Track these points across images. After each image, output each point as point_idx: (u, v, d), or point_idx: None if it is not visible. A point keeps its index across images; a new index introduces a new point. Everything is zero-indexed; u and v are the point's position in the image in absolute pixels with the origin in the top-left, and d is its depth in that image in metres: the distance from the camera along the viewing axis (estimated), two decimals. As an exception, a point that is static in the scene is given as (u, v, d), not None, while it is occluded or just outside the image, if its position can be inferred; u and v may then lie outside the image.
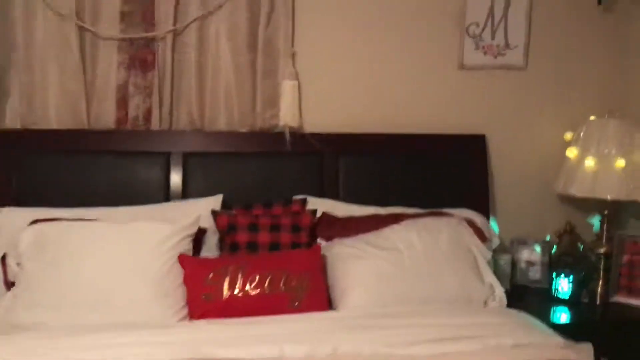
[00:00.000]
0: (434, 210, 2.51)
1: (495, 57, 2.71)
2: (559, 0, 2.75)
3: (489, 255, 2.34)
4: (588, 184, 2.50)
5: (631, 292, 2.55)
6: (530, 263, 2.77)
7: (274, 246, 2.22)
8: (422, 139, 2.67)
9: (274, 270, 2.03)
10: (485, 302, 2.15)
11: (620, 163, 2.43)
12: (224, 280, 1.99)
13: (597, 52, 2.81)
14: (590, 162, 2.48)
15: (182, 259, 2.08)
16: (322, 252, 2.23)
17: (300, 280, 2.03)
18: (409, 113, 2.70)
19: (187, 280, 2.04)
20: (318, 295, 2.06)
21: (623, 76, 2.81)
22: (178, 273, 2.06)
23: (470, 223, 2.40)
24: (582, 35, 2.80)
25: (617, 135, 2.49)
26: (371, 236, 2.27)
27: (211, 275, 2.01)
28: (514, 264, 2.76)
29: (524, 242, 2.77)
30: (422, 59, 2.72)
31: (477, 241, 2.32)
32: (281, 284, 2.00)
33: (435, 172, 2.67)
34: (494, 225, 2.78)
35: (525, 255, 2.77)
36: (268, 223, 2.26)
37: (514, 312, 2.09)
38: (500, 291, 2.20)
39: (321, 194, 2.57)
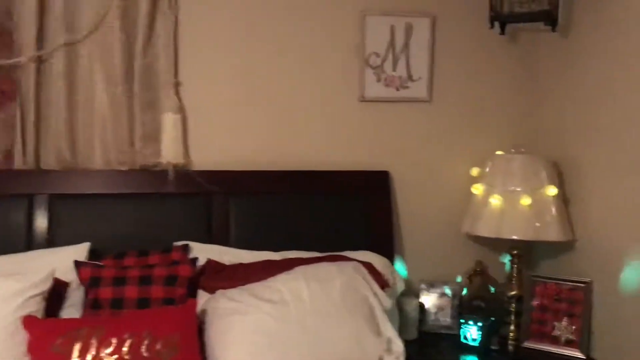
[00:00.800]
0: (333, 254, 2.30)
1: (398, 89, 2.56)
2: (462, 32, 2.63)
3: (389, 303, 2.13)
4: (494, 223, 2.35)
5: (543, 337, 2.39)
6: (440, 308, 2.59)
7: (143, 303, 1.93)
8: (322, 176, 2.47)
9: (135, 332, 1.74)
10: (381, 359, 1.92)
11: (526, 201, 2.29)
12: (73, 347, 1.69)
13: (504, 84, 2.70)
14: (495, 201, 2.34)
15: (27, 321, 1.77)
16: (202, 307, 1.97)
17: (167, 342, 1.75)
18: (307, 148, 2.51)
19: (32, 348, 1.73)
20: (189, 360, 1.79)
21: (531, 109, 2.71)
22: (23, 339, 1.75)
23: (370, 267, 2.20)
24: (487, 67, 2.68)
25: (523, 171, 2.36)
26: (259, 287, 2.03)
27: (59, 340, 1.71)
28: (423, 309, 2.57)
29: (433, 285, 2.60)
30: (321, 90, 2.54)
31: (376, 288, 2.11)
32: (142, 349, 1.71)
33: (335, 212, 2.47)
34: (400, 268, 2.60)
35: (434, 299, 2.59)
36: (137, 275, 1.98)
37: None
38: (398, 346, 1.98)
39: (209, 239, 2.32)
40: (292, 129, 2.50)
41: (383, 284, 2.17)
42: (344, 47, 2.54)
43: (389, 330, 2.03)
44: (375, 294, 2.08)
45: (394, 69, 2.55)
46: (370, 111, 2.56)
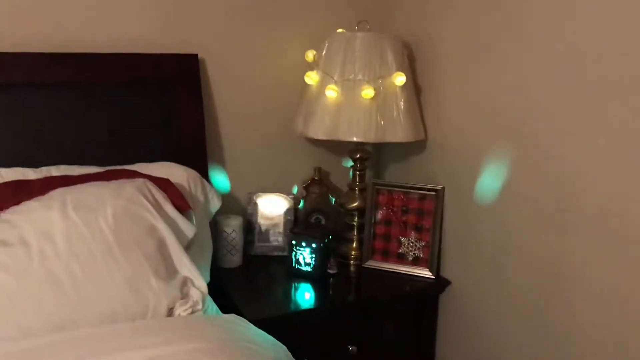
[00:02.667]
0: (115, 168, 1.70)
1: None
2: None
3: (191, 230, 1.61)
4: (329, 122, 1.86)
5: (388, 255, 2.03)
6: (272, 225, 2.13)
7: None
8: (104, 60, 1.79)
9: None
10: (172, 309, 1.42)
11: (368, 92, 1.81)
12: None
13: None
14: (331, 93, 1.84)
15: None
16: None
17: None
18: (81, 21, 1.80)
19: None
20: None
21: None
22: None
23: (166, 185, 1.64)
24: None
25: (366, 54, 1.86)
26: (-6, 221, 1.41)
27: None
28: (250, 229, 2.10)
29: (262, 199, 2.11)
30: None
31: (171, 213, 1.57)
32: None
33: (124, 111, 1.83)
34: (218, 180, 2.08)
35: (264, 216, 2.12)
36: None
37: (212, 322, 1.39)
38: (198, 288, 1.49)
39: None
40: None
41: (183, 205, 1.63)
42: None
43: (187, 268, 1.51)
44: (167, 221, 1.54)
45: None
46: (171, -28, 1.89)
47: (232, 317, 1.42)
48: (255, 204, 2.10)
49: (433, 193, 1.96)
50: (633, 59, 1.32)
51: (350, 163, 2.10)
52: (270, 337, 1.36)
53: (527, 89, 1.60)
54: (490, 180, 1.76)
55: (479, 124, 1.78)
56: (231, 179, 2.11)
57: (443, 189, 1.95)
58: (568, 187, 1.51)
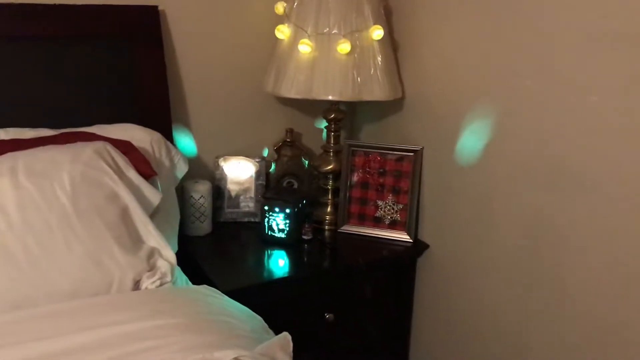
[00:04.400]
0: (71, 130, 1.56)
1: None
2: None
3: (157, 196, 1.49)
4: (303, 80, 1.74)
5: (364, 219, 1.95)
6: (242, 190, 2.02)
7: None
8: (54, 12, 1.63)
9: None
10: (139, 282, 1.31)
11: (344, 47, 1.70)
12: None
13: None
14: (305, 48, 1.72)
15: None
16: None
17: None
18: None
19: None
20: None
21: None
22: None
23: (128, 148, 1.51)
24: None
25: (341, 5, 1.73)
26: None
27: None
28: (219, 194, 1.99)
29: (231, 163, 2.00)
30: None
31: (135, 179, 1.45)
32: None
33: (80, 68, 1.67)
34: (183, 143, 1.95)
35: (234, 180, 2.01)
36: None
37: (183, 295, 1.29)
38: (166, 259, 1.38)
39: None
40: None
41: (147, 170, 1.51)
42: None
43: (153, 238, 1.40)
44: (130, 188, 1.42)
45: None
46: None
47: (204, 289, 1.33)
48: (224, 168, 1.98)
49: (411, 154, 1.87)
50: (627, 12, 1.24)
51: (324, 123, 2.00)
52: (246, 309, 1.28)
53: (514, 42, 1.51)
54: (472, 140, 1.68)
55: (461, 80, 1.69)
56: (197, 142, 1.98)
57: (422, 149, 1.87)
58: (556, 145, 1.44)
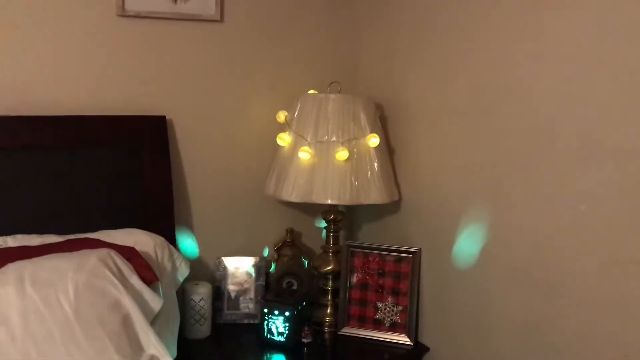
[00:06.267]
0: (76, 237, 1.61)
1: (175, 1, 1.86)
2: None
3: (158, 303, 1.50)
4: (303, 184, 1.81)
5: (364, 321, 1.95)
6: (242, 291, 2.03)
7: None
8: (65, 123, 1.72)
9: None
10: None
11: (343, 155, 1.78)
12: None
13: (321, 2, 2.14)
14: (305, 155, 1.80)
15: None
16: None
17: None
18: (40, 86, 1.73)
19: None
20: None
21: (351, 40, 2.19)
22: None
23: (132, 254, 1.55)
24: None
25: (339, 116, 1.83)
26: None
27: None
28: (219, 295, 2.00)
29: (232, 263, 2.02)
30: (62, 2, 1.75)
31: (137, 285, 1.47)
32: None
33: (88, 177, 1.75)
34: (185, 245, 1.99)
35: (234, 281, 2.03)
36: None
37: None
38: (165, 367, 1.38)
39: None
40: (21, 59, 1.70)
41: (149, 276, 1.54)
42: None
43: (153, 345, 1.41)
44: (132, 295, 1.44)
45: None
46: (135, 31, 1.83)
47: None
48: (225, 269, 2.01)
49: (409, 255, 1.91)
50: (613, 125, 1.32)
51: (324, 224, 2.04)
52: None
53: (503, 148, 1.58)
54: (468, 242, 1.72)
55: (454, 184, 1.76)
56: (199, 243, 2.02)
57: (420, 251, 1.90)
58: (547, 250, 1.47)
